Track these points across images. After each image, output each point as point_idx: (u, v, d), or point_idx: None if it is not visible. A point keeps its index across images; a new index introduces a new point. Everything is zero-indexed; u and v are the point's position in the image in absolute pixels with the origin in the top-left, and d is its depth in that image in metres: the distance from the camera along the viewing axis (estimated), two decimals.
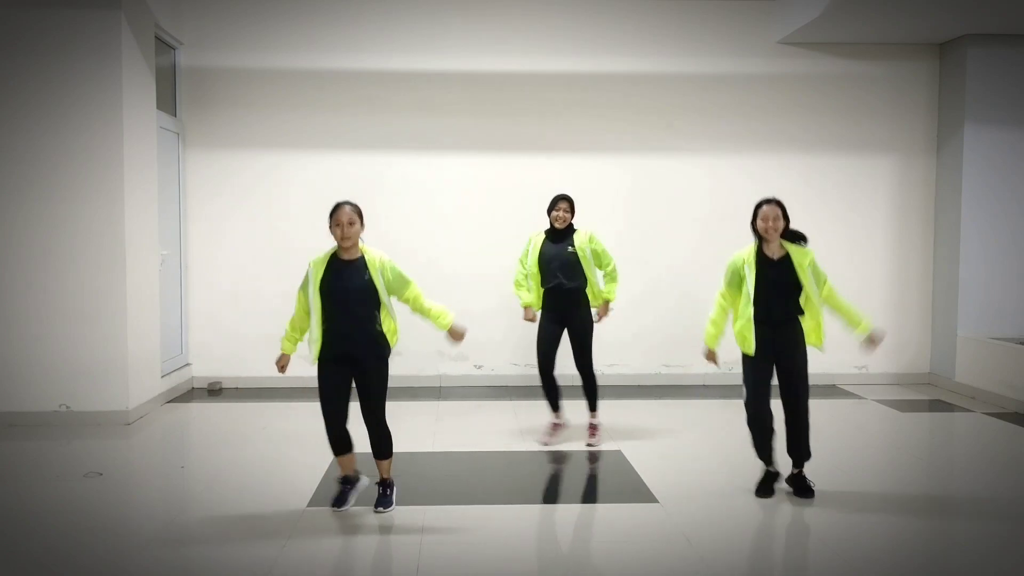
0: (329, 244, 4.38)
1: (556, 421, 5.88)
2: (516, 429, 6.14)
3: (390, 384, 4.37)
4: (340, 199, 4.33)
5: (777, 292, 4.49)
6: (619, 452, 5.60)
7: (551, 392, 5.83)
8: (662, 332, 7.93)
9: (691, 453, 5.62)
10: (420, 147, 7.88)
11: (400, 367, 7.99)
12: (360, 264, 4.26)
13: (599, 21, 7.93)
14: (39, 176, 6.26)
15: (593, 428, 5.84)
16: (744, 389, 4.63)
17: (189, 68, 7.74)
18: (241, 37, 7.75)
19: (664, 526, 4.24)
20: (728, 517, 4.38)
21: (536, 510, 4.54)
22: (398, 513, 4.38)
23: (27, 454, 5.57)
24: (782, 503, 4.58)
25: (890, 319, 8.25)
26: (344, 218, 4.22)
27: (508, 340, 7.82)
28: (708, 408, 7.06)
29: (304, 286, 4.30)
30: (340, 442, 4.36)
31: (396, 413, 6.84)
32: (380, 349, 4.29)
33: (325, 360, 4.28)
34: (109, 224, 6.32)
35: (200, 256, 7.84)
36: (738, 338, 4.56)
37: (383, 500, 4.43)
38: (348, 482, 4.49)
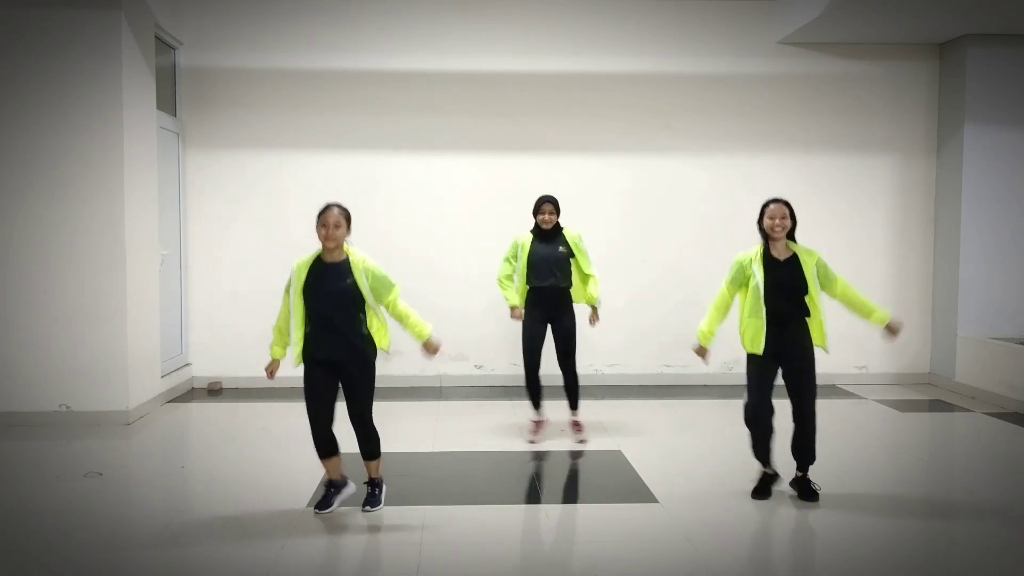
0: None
1: (539, 419, 5.92)
2: (516, 429, 6.14)
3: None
4: (331, 200, 4.32)
5: (784, 293, 4.48)
6: (619, 452, 5.60)
7: (536, 390, 5.88)
8: (662, 332, 7.93)
9: (691, 453, 5.63)
10: (420, 147, 7.89)
11: (400, 367, 8.00)
12: (344, 267, 4.24)
13: (599, 21, 7.93)
14: (39, 176, 6.26)
15: (578, 424, 5.90)
16: (747, 389, 4.61)
17: (189, 68, 7.74)
18: (241, 37, 7.75)
19: (664, 526, 4.24)
20: (728, 517, 4.38)
21: (536, 510, 4.54)
22: (398, 513, 4.38)
23: (27, 454, 5.57)
24: (782, 504, 4.58)
25: None
26: (331, 220, 4.20)
27: (508, 340, 7.80)
28: (708, 408, 7.06)
29: (288, 288, 4.29)
30: (325, 444, 4.31)
31: (396, 413, 6.87)
32: (364, 353, 4.24)
33: (309, 362, 4.25)
34: (109, 224, 6.32)
35: (200, 256, 7.84)
36: (745, 338, 4.55)
37: (371, 499, 4.41)
38: (334, 486, 4.42)
